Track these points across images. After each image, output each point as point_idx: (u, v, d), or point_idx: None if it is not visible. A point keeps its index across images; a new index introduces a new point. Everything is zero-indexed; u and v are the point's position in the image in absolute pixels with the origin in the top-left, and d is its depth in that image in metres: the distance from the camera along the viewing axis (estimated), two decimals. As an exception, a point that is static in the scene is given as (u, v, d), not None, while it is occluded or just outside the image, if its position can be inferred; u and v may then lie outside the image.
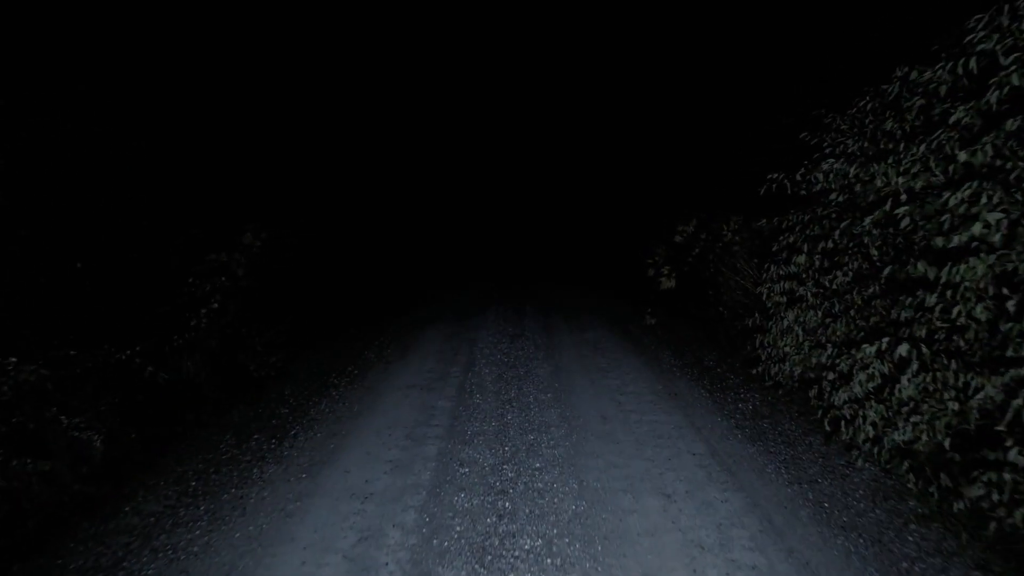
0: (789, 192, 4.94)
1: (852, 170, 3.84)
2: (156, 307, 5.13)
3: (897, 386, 3.07)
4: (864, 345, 3.23)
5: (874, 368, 3.24)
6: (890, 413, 3.16)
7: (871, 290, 3.79)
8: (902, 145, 3.83)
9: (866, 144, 4.30)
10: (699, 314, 7.38)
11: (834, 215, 4.50)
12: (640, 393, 5.12)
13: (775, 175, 4.83)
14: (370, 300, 9.47)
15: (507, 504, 3.35)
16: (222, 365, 5.30)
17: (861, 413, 3.34)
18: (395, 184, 15.80)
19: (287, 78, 10.77)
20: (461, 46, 16.09)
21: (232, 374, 5.36)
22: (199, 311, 5.13)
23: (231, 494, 3.57)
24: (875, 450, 3.36)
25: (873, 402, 3.25)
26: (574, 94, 16.16)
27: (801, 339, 4.42)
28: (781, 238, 5.07)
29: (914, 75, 3.92)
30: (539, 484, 3.58)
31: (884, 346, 3.12)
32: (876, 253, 4.02)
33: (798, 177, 4.79)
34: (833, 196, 4.43)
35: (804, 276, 4.55)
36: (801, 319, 4.41)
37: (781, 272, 4.80)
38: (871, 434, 3.35)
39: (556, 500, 3.39)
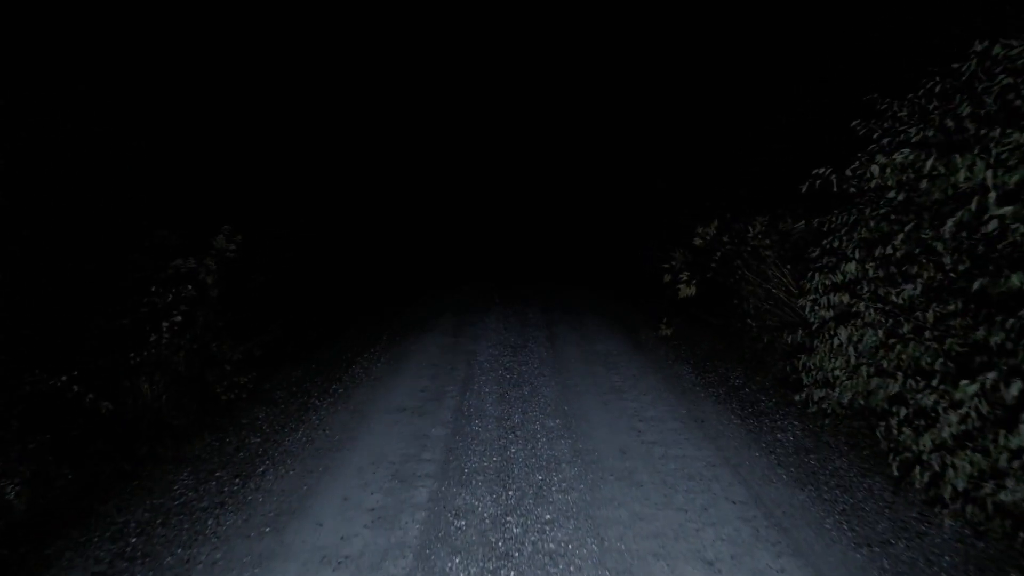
0: (835, 189, 4.32)
1: (930, 163, 3.19)
2: (112, 321, 4.51)
3: (1005, 433, 2.44)
4: (962, 382, 2.59)
5: (970, 407, 2.61)
6: (993, 465, 2.53)
7: (951, 307, 3.15)
8: (985, 132, 3.21)
9: (933, 133, 3.67)
10: (719, 324, 6.75)
11: (892, 216, 3.87)
12: (662, 419, 4.49)
13: (822, 170, 4.20)
14: (363, 306, 8.85)
15: (512, 575, 2.72)
16: (187, 386, 4.66)
17: (950, 462, 2.70)
18: (395, 183, 15.18)
19: (283, 73, 10.15)
20: (467, 40, 15.46)
21: (199, 396, 4.73)
22: (161, 325, 4.50)
23: (176, 556, 2.93)
24: (967, 508, 2.72)
25: (968, 451, 2.61)
26: (580, 86, 15.51)
27: (855, 362, 3.78)
28: (824, 242, 4.44)
29: (997, 50, 3.29)
30: (550, 544, 2.94)
31: (989, 384, 2.48)
32: (949, 262, 3.39)
33: (848, 172, 4.16)
34: (892, 194, 3.79)
35: (858, 288, 3.92)
36: (855, 339, 3.77)
37: (827, 282, 4.16)
38: (962, 488, 2.71)
39: (573, 569, 2.76)
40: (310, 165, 11.73)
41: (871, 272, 3.92)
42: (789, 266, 5.20)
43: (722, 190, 7.87)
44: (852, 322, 3.81)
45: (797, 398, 4.17)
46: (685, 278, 6.02)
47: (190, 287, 4.70)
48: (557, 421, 4.50)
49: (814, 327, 4.27)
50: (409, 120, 15.43)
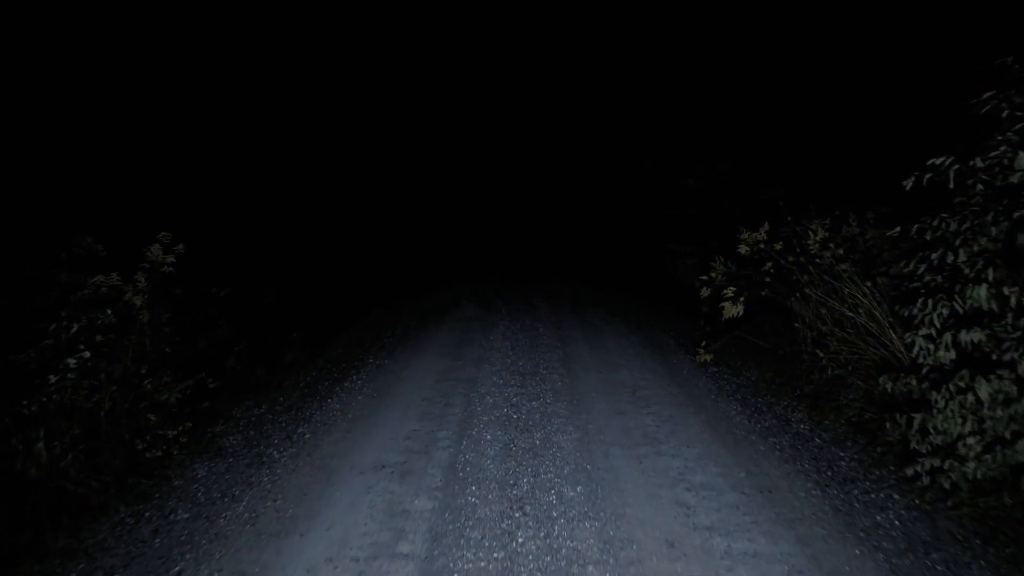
0: (951, 185, 3.24)
1: None
2: (2, 358, 3.51)
3: None
4: None
5: None
6: None
7: None
8: None
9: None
10: (766, 346, 5.66)
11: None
12: (715, 488, 3.42)
13: (940, 160, 3.11)
14: (352, 316, 7.83)
15: None
16: (106, 439, 3.66)
17: None
18: (390, 181, 14.21)
19: (272, 59, 9.19)
20: (468, 35, 14.42)
21: (124, 450, 3.72)
22: (68, 362, 3.49)
23: None
24: None
25: None
26: (590, 69, 14.39)
27: (1000, 429, 2.71)
28: (933, 256, 3.35)
29: None
30: None
31: None
32: None
33: (978, 162, 3.07)
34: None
35: (1000, 322, 2.84)
36: (1000, 398, 2.69)
37: (944, 311, 3.08)
38: None
39: None
40: (300, 164, 10.76)
41: (1014, 300, 2.84)
42: (870, 283, 4.10)
43: (769, 186, 6.78)
44: (995, 375, 2.73)
45: (911, 472, 3.09)
46: (731, 294, 4.94)
47: (108, 312, 3.69)
48: (578, 489, 3.45)
49: (925, 371, 3.18)
50: (405, 116, 14.44)
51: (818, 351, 4.36)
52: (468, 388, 5.16)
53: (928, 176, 3.23)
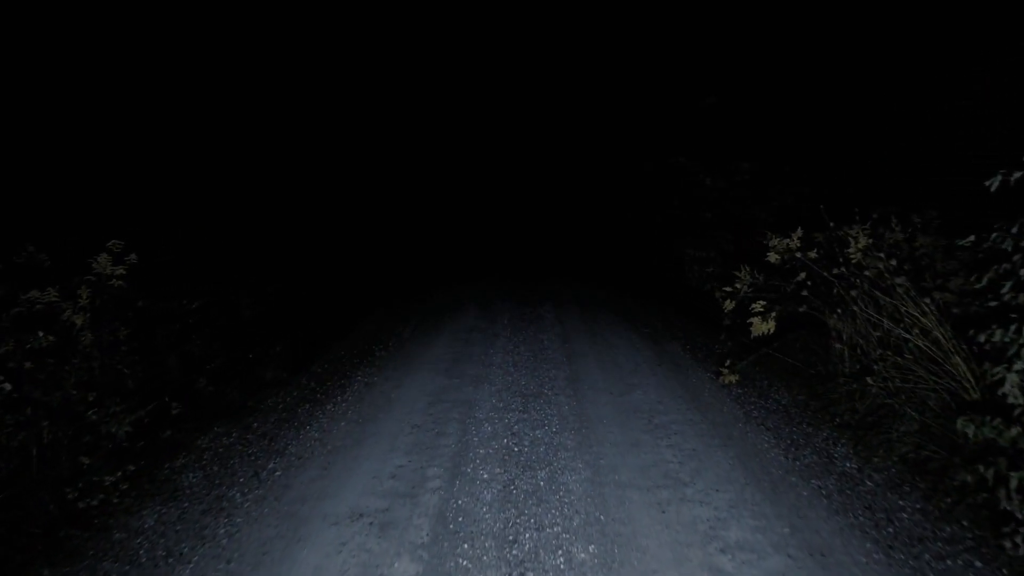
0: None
1: None
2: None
3: None
4: None
5: None
6: None
7: None
8: None
9: None
10: (796, 364, 5.09)
11: None
12: (756, 549, 2.85)
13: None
14: (341, 327, 7.29)
15: None
16: (36, 486, 3.13)
17: None
18: (387, 179, 13.70)
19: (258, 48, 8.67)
20: (487, 32, 13.90)
21: (55, 498, 3.19)
22: (-12, 394, 2.96)
23: None
24: None
25: None
26: (597, 55, 13.82)
27: None
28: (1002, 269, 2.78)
29: None
30: None
31: None
32: None
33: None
34: None
35: None
36: None
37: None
38: None
39: None
40: (292, 161, 10.25)
41: None
42: (928, 300, 3.52)
43: (793, 186, 6.20)
44: None
45: (1008, 544, 2.51)
46: (760, 308, 4.37)
47: (41, 334, 3.15)
48: (591, 549, 2.89)
49: (1017, 412, 2.61)
50: (404, 113, 13.92)
51: (867, 377, 3.77)
52: (464, 412, 4.61)
53: (1018, 175, 2.66)
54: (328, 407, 4.84)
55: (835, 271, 4.03)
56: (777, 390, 4.94)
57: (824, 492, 3.37)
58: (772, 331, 4.37)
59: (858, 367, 4.47)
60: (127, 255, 3.66)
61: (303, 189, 10.56)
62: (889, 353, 3.64)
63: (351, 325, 7.54)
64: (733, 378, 4.78)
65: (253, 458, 3.96)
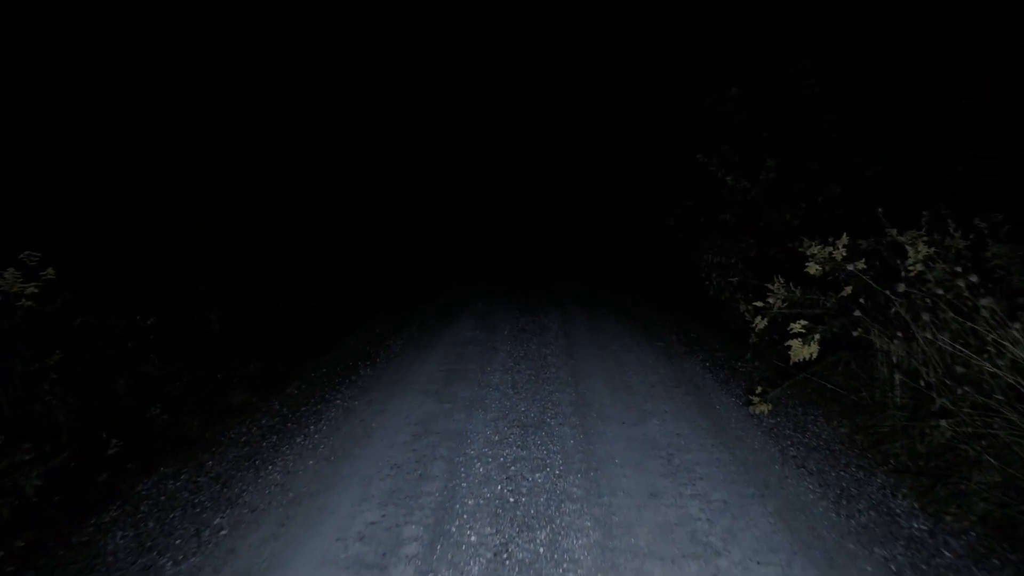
0: None
1: None
2: None
3: None
4: None
5: None
6: None
7: None
8: None
9: None
10: (837, 391, 4.42)
11: None
12: (817, 655, 2.20)
13: None
14: (320, 342, 6.66)
15: None
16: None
17: None
18: (385, 182, 13.09)
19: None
20: (489, 31, 13.24)
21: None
22: None
23: None
24: None
25: None
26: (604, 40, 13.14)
27: None
28: None
29: None
30: None
31: None
32: None
33: None
34: None
35: None
36: None
37: None
38: None
39: None
40: (284, 159, 9.65)
41: None
42: (1019, 325, 2.85)
43: (821, 184, 5.52)
44: None
45: None
46: (801, 328, 3.70)
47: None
48: (603, 654, 2.24)
49: None
50: (404, 110, 13.30)
51: (942, 421, 3.09)
52: (453, 448, 3.97)
53: None
54: (297, 440, 4.21)
55: (900, 288, 3.35)
56: (815, 420, 4.27)
57: (894, 567, 2.71)
58: (815, 356, 3.71)
59: (911, 399, 3.80)
60: (43, 270, 3.04)
61: (303, 189, 9.95)
62: (968, 389, 2.96)
63: (335, 338, 6.92)
64: (766, 408, 4.12)
65: (199, 510, 3.33)
